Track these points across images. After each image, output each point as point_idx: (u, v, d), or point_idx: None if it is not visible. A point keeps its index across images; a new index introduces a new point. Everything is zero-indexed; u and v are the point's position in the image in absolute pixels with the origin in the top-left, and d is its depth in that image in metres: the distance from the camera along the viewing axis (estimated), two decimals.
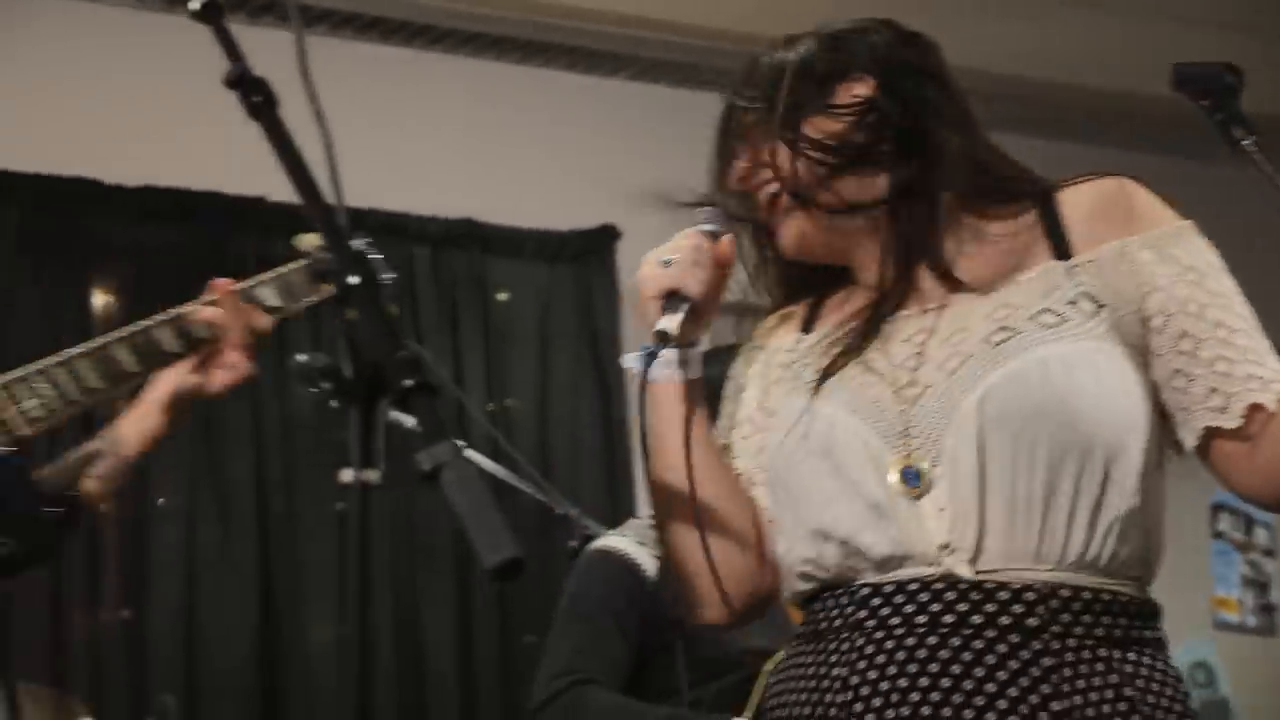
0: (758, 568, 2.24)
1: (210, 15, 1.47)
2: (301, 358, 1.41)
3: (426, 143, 6.17)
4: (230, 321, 2.52)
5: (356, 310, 1.41)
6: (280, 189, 5.48)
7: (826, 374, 2.17)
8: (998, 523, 2.02)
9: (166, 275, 5.68)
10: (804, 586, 2.18)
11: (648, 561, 3.41)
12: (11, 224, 5.45)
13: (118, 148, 5.64)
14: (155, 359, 2.45)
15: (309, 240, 2.58)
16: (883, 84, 2.20)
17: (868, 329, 2.19)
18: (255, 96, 1.51)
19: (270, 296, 2.59)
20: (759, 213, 2.24)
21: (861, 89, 2.20)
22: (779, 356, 2.31)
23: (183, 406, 2.54)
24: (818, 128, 2.19)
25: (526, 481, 3.92)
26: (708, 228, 2.21)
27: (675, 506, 2.19)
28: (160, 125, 5.71)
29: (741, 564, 2.23)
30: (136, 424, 2.54)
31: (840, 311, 2.28)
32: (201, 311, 2.52)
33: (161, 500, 5.63)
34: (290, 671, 5.68)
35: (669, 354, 2.17)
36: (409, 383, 1.36)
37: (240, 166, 5.69)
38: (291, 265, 2.65)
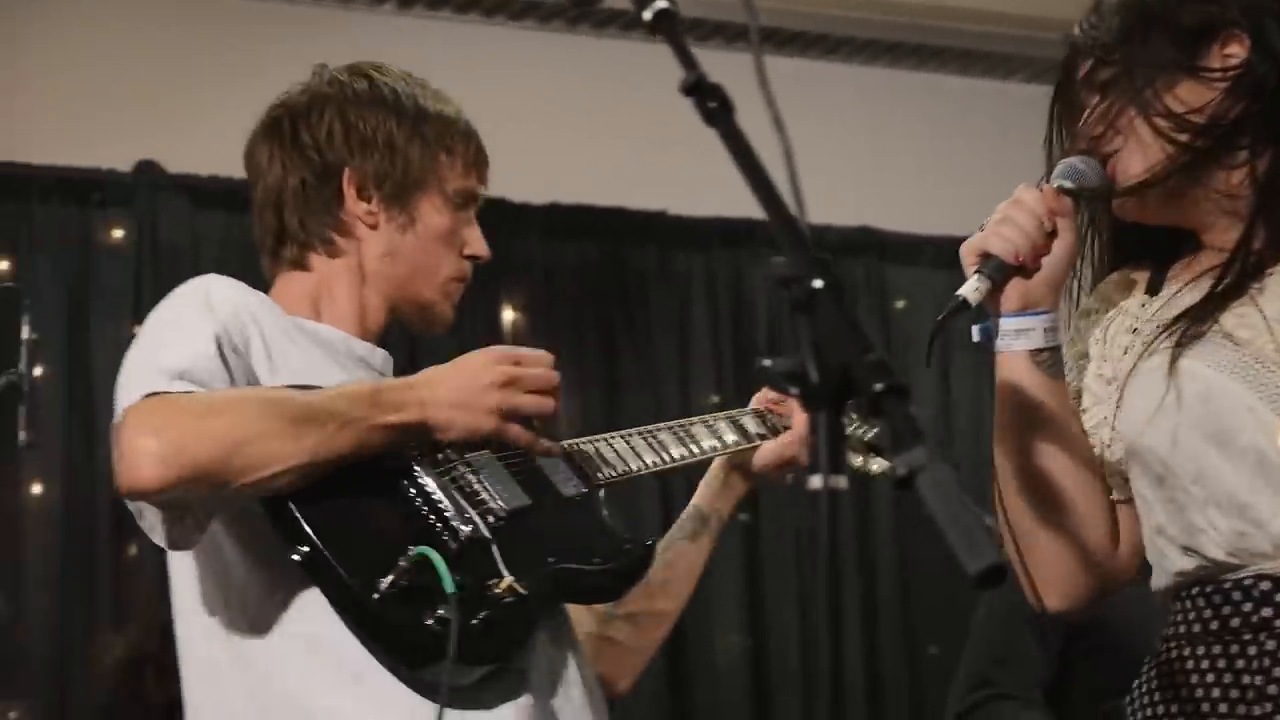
0: (1109, 550, 2.06)
1: (663, 24, 1.46)
2: (767, 362, 1.39)
3: (821, 151, 6.14)
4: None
5: (820, 314, 1.39)
6: (681, 202, 5.57)
7: (1192, 335, 1.97)
8: None
9: (572, 291, 5.81)
10: (1180, 571, 1.98)
11: None
12: None
13: (524, 166, 5.77)
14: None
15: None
16: (1255, 41, 1.98)
17: (1232, 288, 1.98)
18: (711, 102, 1.50)
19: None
20: (1102, 172, 2.04)
21: (1236, 49, 1.99)
22: (1123, 321, 2.10)
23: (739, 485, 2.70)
24: (1181, 97, 1.98)
25: None
26: (1060, 183, 2.03)
27: (1013, 485, 2.03)
28: (563, 143, 5.84)
29: (1089, 546, 2.03)
30: (726, 492, 2.69)
31: (1190, 272, 2.07)
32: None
33: None
34: (697, 683, 5.72)
35: (1019, 323, 1.99)
36: (879, 386, 1.33)
37: (641, 181, 5.86)
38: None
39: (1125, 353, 2.06)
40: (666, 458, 2.49)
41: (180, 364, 2.05)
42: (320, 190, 2.32)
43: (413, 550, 2.03)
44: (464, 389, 2.16)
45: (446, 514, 2.14)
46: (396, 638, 2.05)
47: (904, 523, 5.76)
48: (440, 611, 2.01)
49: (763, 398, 2.67)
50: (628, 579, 2.34)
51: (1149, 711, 2.02)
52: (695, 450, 2.54)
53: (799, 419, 2.57)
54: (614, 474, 2.40)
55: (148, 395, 2.01)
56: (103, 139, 5.19)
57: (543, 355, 2.30)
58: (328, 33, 5.63)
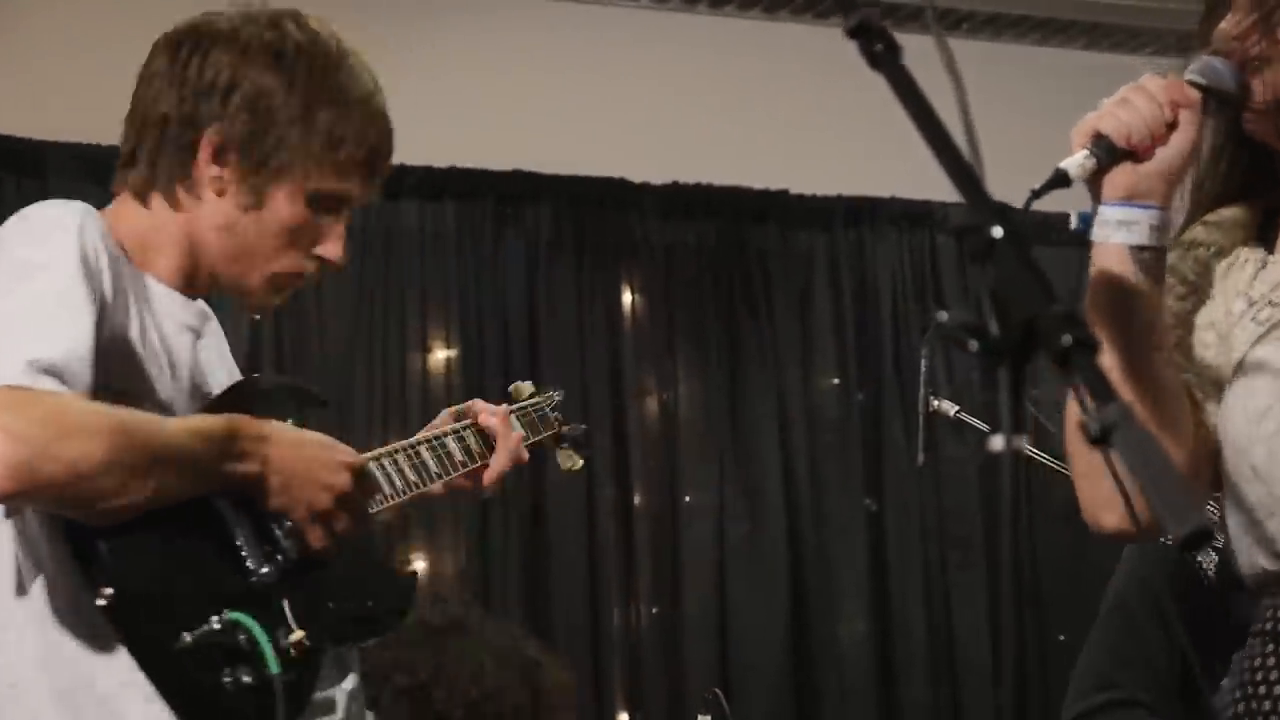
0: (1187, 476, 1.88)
1: None
2: (944, 315, 1.30)
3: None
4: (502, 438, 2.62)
5: (1001, 265, 1.30)
6: (802, 181, 5.47)
7: None
8: None
9: (691, 270, 5.75)
10: (1266, 570, 1.87)
11: (1204, 554, 3.19)
12: (545, 224, 5.61)
13: (644, 147, 5.73)
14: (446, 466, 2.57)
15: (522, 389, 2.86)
16: None
17: None
18: (878, 44, 1.41)
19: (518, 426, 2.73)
20: (1240, 79, 1.88)
21: None
22: (1237, 278, 1.94)
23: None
24: None
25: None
26: (1192, 76, 1.85)
27: None
28: (684, 123, 5.78)
29: None
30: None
31: None
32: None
33: (689, 498, 5.68)
34: (822, 667, 5.66)
35: (1123, 213, 1.82)
36: (1067, 339, 1.24)
37: (762, 160, 5.80)
38: (534, 400, 2.85)
39: (1237, 323, 1.92)
40: (426, 477, 2.48)
41: (52, 357, 1.94)
42: (180, 135, 2.17)
43: (227, 614, 2.01)
44: (302, 473, 2.12)
45: (243, 556, 2.11)
46: (191, 694, 2.01)
47: (1031, 506, 5.65)
48: (239, 675, 2.01)
49: (471, 411, 2.65)
50: (397, 617, 2.38)
51: (1242, 707, 1.92)
52: (448, 469, 2.54)
53: (502, 434, 2.60)
54: (383, 500, 2.38)
55: (9, 386, 1.91)
56: None
57: (377, 483, 2.34)
58: (450, 10, 5.61)
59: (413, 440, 2.51)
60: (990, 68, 6.09)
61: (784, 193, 5.81)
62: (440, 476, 2.51)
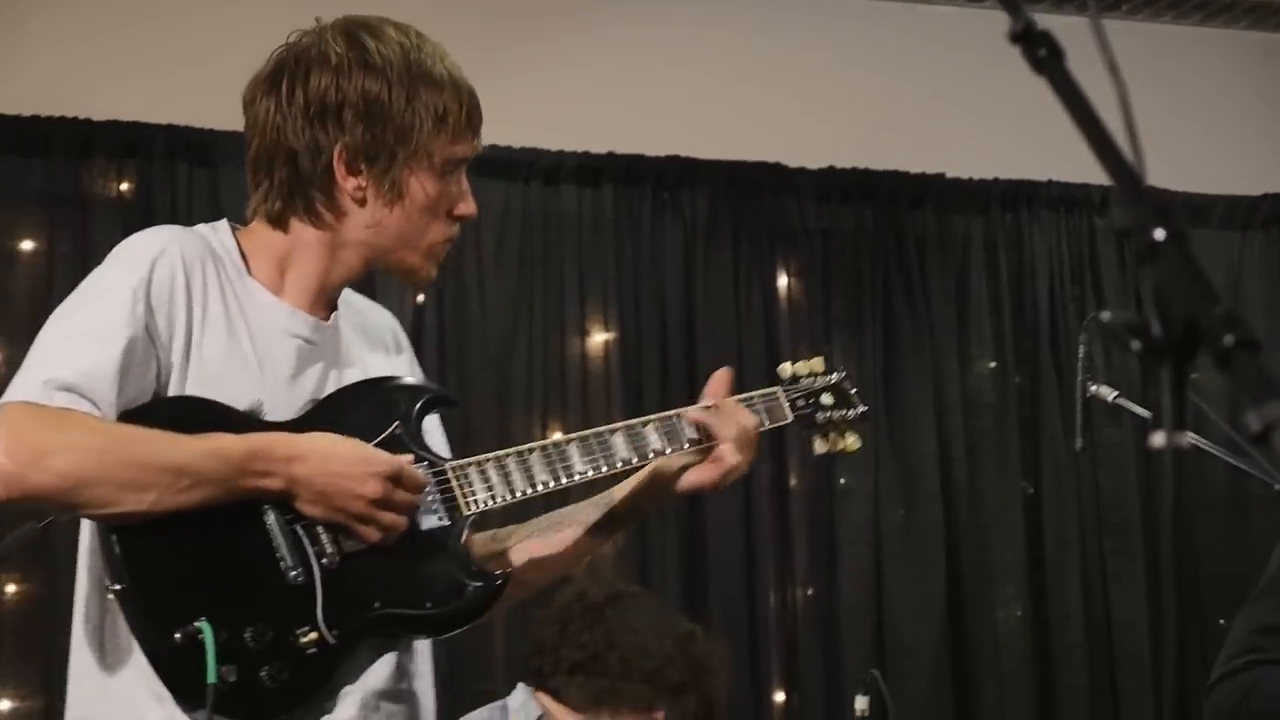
0: None
1: None
2: (1105, 315, 1.33)
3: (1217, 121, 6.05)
4: (721, 424, 2.54)
5: (1163, 265, 1.33)
6: (959, 164, 5.45)
7: None
8: None
9: (848, 255, 5.77)
10: None
11: None
12: (702, 209, 5.65)
13: (800, 132, 5.75)
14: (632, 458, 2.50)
15: (788, 369, 2.76)
16: None
17: None
18: (1040, 49, 1.44)
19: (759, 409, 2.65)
20: None
21: None
22: None
23: (667, 495, 2.59)
24: None
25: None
26: None
27: None
28: (839, 107, 5.80)
29: None
30: (633, 494, 2.58)
31: None
32: (690, 413, 2.55)
33: (844, 480, 5.70)
34: (979, 650, 5.65)
35: None
36: (1230, 339, 1.27)
37: (919, 143, 5.79)
38: (764, 392, 2.72)
39: None
40: (550, 482, 2.42)
41: (71, 377, 2.13)
42: (311, 163, 2.32)
43: (198, 622, 2.11)
44: (334, 486, 2.22)
45: (278, 556, 2.21)
46: (185, 685, 2.13)
47: (1192, 494, 5.60)
48: (224, 671, 2.11)
49: (698, 413, 2.57)
50: (461, 620, 2.34)
51: None
52: (594, 470, 2.47)
53: (727, 446, 2.53)
54: (486, 503, 2.38)
55: (23, 402, 2.12)
56: None
57: (420, 479, 2.32)
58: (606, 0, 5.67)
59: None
60: (1149, 49, 6.05)
61: (940, 176, 5.81)
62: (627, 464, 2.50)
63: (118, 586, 2.15)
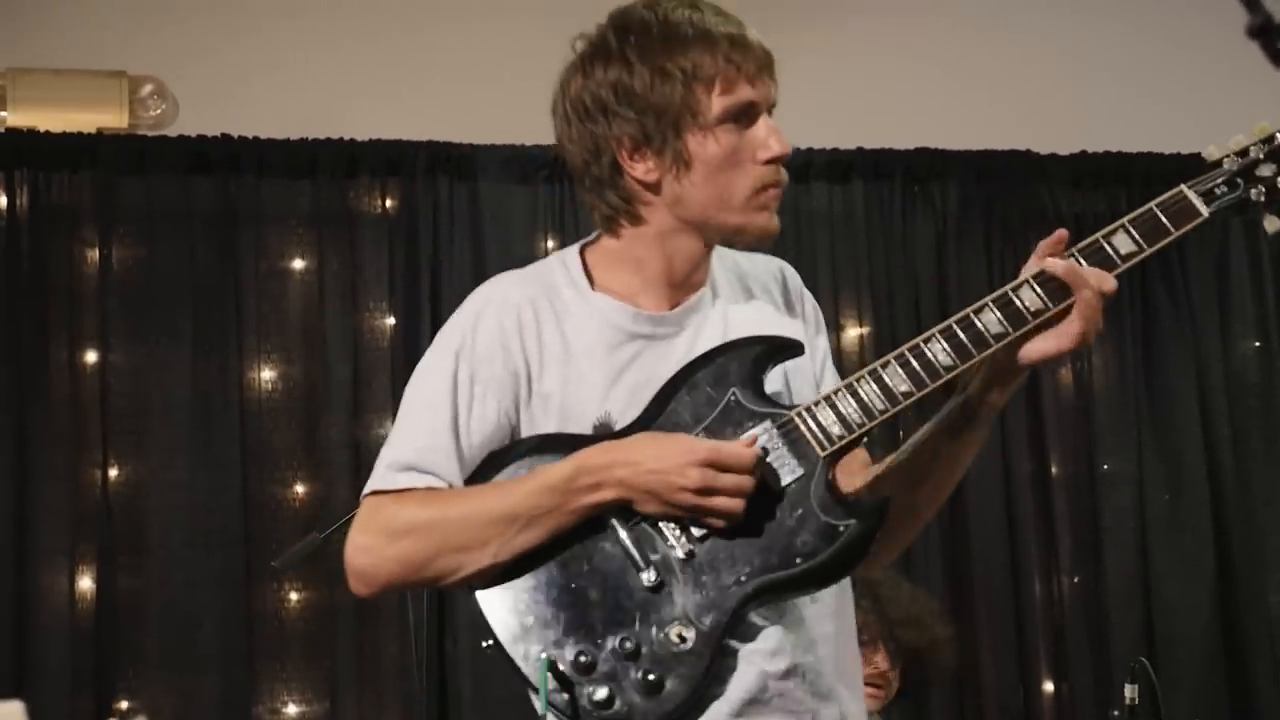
0: None
1: None
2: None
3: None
4: (1073, 281, 2.27)
5: None
6: (1214, 143, 5.35)
7: None
8: None
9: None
10: None
11: None
12: (953, 199, 5.65)
13: (1048, 117, 5.72)
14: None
15: (1216, 151, 2.42)
16: None
17: None
18: (1279, 44, 1.46)
19: (1125, 243, 2.31)
20: None
21: None
22: None
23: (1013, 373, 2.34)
24: None
25: None
26: None
27: None
28: (1087, 91, 5.75)
29: None
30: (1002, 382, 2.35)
31: None
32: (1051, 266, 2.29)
33: (1106, 466, 5.65)
34: (1252, 637, 5.56)
35: None
36: None
37: (1169, 125, 5.69)
38: (1162, 198, 2.36)
39: None
40: (913, 390, 2.24)
41: (408, 456, 2.31)
42: (601, 169, 2.37)
43: (542, 657, 2.21)
44: (660, 480, 2.23)
45: (632, 560, 2.26)
46: (571, 711, 2.23)
47: None
48: (590, 690, 2.22)
49: (1037, 262, 2.30)
50: (841, 564, 2.26)
51: None
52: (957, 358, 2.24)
53: (1084, 297, 2.24)
54: (841, 437, 2.26)
55: (372, 493, 2.31)
56: None
57: (744, 455, 2.24)
58: None
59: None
60: None
61: (1196, 156, 5.70)
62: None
63: (486, 644, 2.28)
